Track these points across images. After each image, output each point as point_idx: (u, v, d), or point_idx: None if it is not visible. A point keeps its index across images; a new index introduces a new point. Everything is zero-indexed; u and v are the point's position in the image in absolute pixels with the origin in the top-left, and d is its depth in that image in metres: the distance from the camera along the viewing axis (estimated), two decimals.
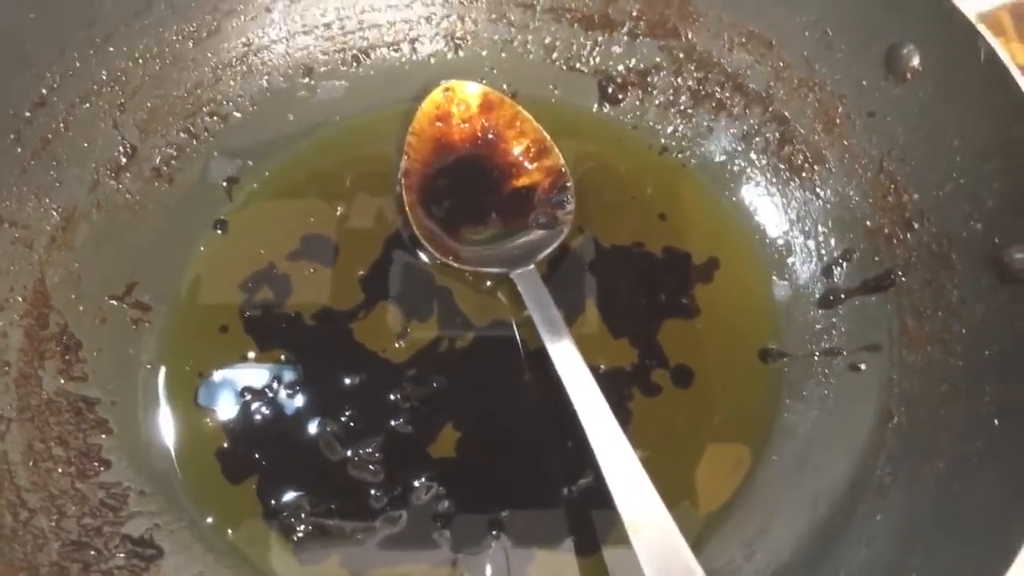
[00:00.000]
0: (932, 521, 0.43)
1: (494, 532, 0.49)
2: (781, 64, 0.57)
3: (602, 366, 0.54)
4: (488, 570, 0.48)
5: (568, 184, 0.58)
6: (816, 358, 0.53)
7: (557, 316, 0.51)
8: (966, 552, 0.40)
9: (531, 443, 0.52)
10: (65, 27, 0.52)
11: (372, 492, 0.50)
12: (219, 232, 0.58)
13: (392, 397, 0.52)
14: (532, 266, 0.54)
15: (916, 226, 0.51)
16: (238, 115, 0.60)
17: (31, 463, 0.46)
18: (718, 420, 0.52)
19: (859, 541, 0.44)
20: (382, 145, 0.61)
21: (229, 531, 0.49)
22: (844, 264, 0.55)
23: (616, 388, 0.53)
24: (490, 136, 0.61)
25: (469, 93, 0.61)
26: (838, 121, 0.55)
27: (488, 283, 0.56)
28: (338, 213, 0.59)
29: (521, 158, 0.60)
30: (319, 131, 0.62)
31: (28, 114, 0.52)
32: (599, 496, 0.49)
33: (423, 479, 0.50)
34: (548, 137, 0.60)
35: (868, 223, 0.54)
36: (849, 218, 0.55)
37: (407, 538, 0.49)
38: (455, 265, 0.55)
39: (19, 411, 0.48)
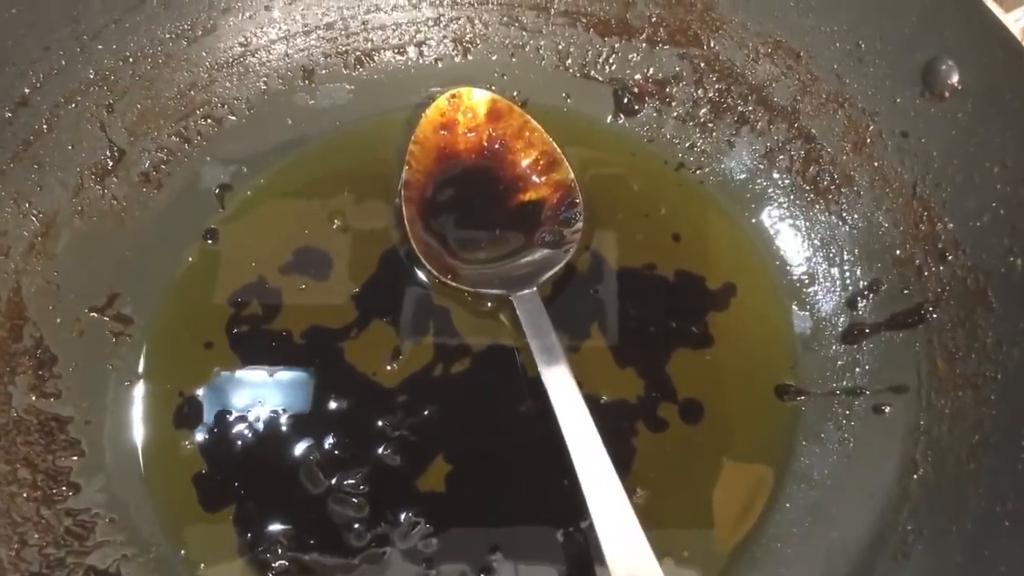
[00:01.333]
0: None
1: (486, 560, 0.46)
2: (809, 77, 0.53)
3: (604, 398, 0.50)
4: None
5: (577, 201, 0.55)
6: (836, 397, 0.50)
7: (555, 344, 0.48)
8: None
9: (527, 480, 0.49)
10: (49, 23, 0.50)
11: (355, 527, 0.47)
12: (209, 242, 0.55)
13: (380, 424, 0.49)
14: (534, 289, 0.51)
15: (950, 258, 0.47)
16: (233, 119, 0.58)
17: None
18: (727, 461, 0.49)
19: None
20: (383, 154, 0.58)
21: (202, 565, 0.46)
22: (870, 296, 0.51)
23: (619, 422, 0.50)
24: (497, 147, 0.57)
25: (476, 100, 0.58)
26: (868, 140, 0.51)
27: (488, 304, 0.53)
28: (335, 226, 0.56)
29: (529, 171, 0.57)
30: (318, 138, 0.59)
31: (9, 114, 0.49)
32: (599, 542, 0.46)
33: (409, 515, 0.47)
34: (558, 149, 0.56)
35: (898, 252, 0.50)
36: (877, 246, 0.51)
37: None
38: (453, 284, 0.52)
39: None
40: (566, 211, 0.55)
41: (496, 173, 0.57)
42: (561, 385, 0.46)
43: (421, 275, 0.54)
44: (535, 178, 0.56)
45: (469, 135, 0.58)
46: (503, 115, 0.58)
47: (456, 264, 0.53)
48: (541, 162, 0.57)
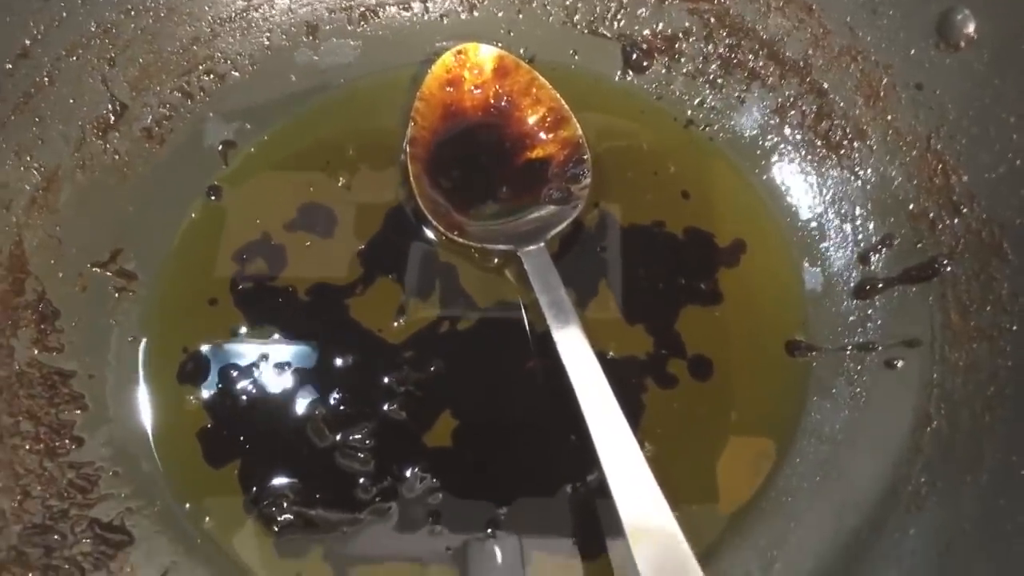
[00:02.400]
0: (972, 541, 0.39)
1: (490, 530, 0.45)
2: (821, 31, 0.53)
3: (612, 354, 0.50)
4: (483, 572, 0.45)
5: (585, 157, 0.54)
6: (848, 353, 0.49)
7: (565, 299, 0.47)
8: None
9: (534, 435, 0.48)
10: None
11: (361, 482, 0.46)
12: (212, 199, 0.55)
13: (387, 380, 0.49)
14: (542, 244, 0.50)
15: (965, 211, 0.47)
16: (236, 75, 0.57)
17: None
18: (737, 417, 0.48)
19: (888, 559, 0.40)
20: (389, 111, 0.57)
21: (207, 518, 0.46)
22: (883, 251, 0.50)
23: (628, 378, 0.49)
24: (504, 103, 0.57)
25: (483, 57, 0.57)
26: (882, 94, 0.51)
27: (495, 261, 0.53)
28: (339, 183, 0.55)
29: (536, 128, 0.56)
30: (322, 94, 0.58)
31: (9, 66, 0.49)
32: (606, 496, 0.46)
33: (416, 470, 0.47)
34: (566, 106, 0.55)
35: (911, 206, 0.49)
36: (890, 201, 0.50)
37: (396, 533, 0.45)
38: (460, 240, 0.51)
39: None
40: (574, 167, 0.54)
41: (503, 130, 0.56)
42: (571, 340, 0.45)
43: (427, 232, 0.53)
44: (542, 135, 0.56)
45: (475, 92, 0.57)
46: (510, 71, 0.57)
47: (463, 220, 0.53)
48: (548, 119, 0.56)
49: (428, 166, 0.55)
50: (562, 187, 0.53)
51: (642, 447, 0.46)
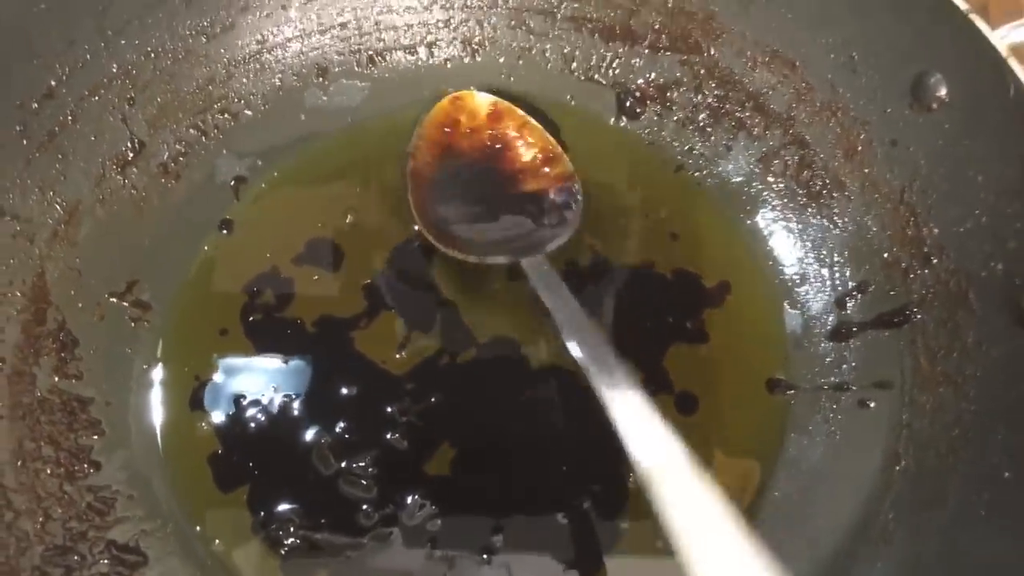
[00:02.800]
0: (936, 571, 0.41)
1: (485, 556, 0.48)
2: (804, 86, 0.56)
3: None
4: None
5: (576, 187, 0.56)
6: (824, 392, 0.52)
7: (571, 299, 0.49)
8: None
9: (529, 464, 0.51)
10: (75, 18, 0.51)
11: (363, 508, 0.49)
12: (224, 232, 0.57)
13: (389, 410, 0.52)
14: (542, 255, 0.52)
15: (935, 261, 0.49)
16: (249, 113, 0.60)
17: (19, 463, 0.46)
18: (719, 450, 0.51)
19: None
20: (395, 150, 0.60)
21: (216, 541, 0.48)
22: (859, 296, 0.53)
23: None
24: (498, 145, 0.59)
25: (478, 103, 0.60)
26: (860, 148, 0.54)
27: (495, 286, 0.55)
28: (347, 220, 0.58)
29: (529, 165, 0.59)
30: (331, 133, 0.61)
31: (35, 106, 0.51)
32: (597, 522, 0.49)
33: (416, 497, 0.49)
34: (557, 145, 0.58)
35: (885, 255, 0.52)
36: (866, 249, 0.53)
37: (397, 557, 0.48)
38: (462, 256, 0.53)
39: (11, 408, 0.47)
40: (566, 196, 0.56)
41: (499, 166, 0.59)
42: (586, 340, 0.46)
43: (431, 270, 0.56)
44: (536, 171, 0.58)
45: (471, 134, 0.60)
46: (504, 116, 0.60)
47: (463, 240, 0.55)
48: (540, 157, 0.58)
49: (429, 195, 0.57)
50: (557, 215, 0.56)
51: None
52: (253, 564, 0.48)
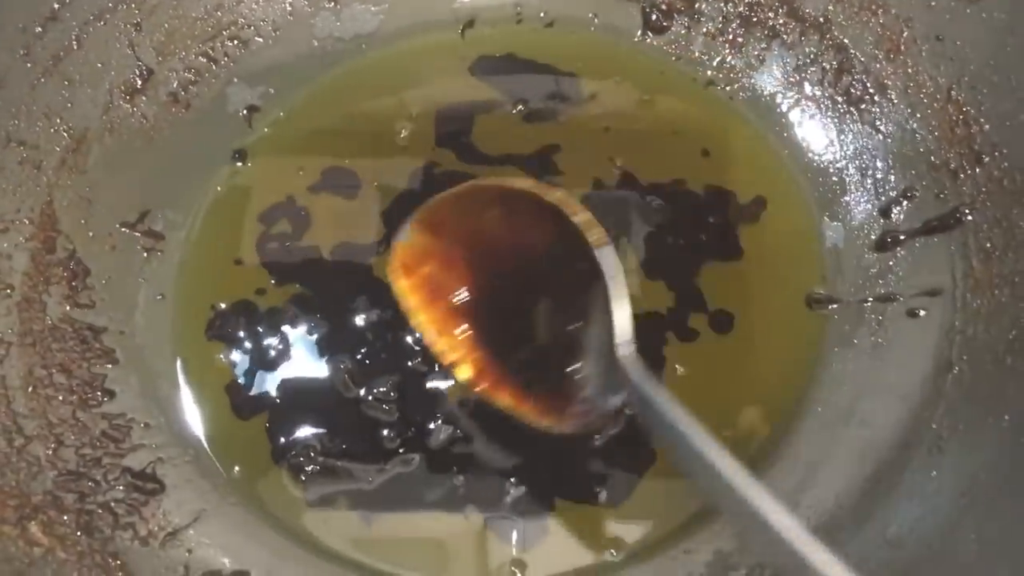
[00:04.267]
0: (993, 479, 0.39)
1: (513, 479, 0.46)
2: None
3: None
4: (505, 520, 0.45)
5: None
6: (869, 304, 0.49)
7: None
8: None
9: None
10: None
11: (385, 432, 0.47)
12: (237, 162, 0.55)
13: (409, 338, 0.49)
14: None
15: (986, 160, 0.46)
16: (260, 40, 0.57)
17: (30, 389, 0.45)
18: (758, 369, 0.49)
19: (911, 498, 0.41)
20: (410, 77, 0.58)
21: (236, 468, 0.47)
22: (904, 203, 0.50)
23: (650, 334, 0.49)
24: None
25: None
26: (903, 47, 0.51)
27: None
28: (360, 145, 0.56)
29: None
30: (344, 60, 0.59)
31: (39, 29, 0.49)
32: (627, 448, 0.46)
33: (439, 421, 0.47)
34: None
35: (932, 158, 0.49)
36: (911, 153, 0.50)
37: (420, 482, 0.46)
38: None
39: (20, 335, 0.46)
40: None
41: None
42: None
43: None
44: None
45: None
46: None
47: None
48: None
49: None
50: None
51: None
52: (273, 491, 0.46)
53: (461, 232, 0.46)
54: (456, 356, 0.46)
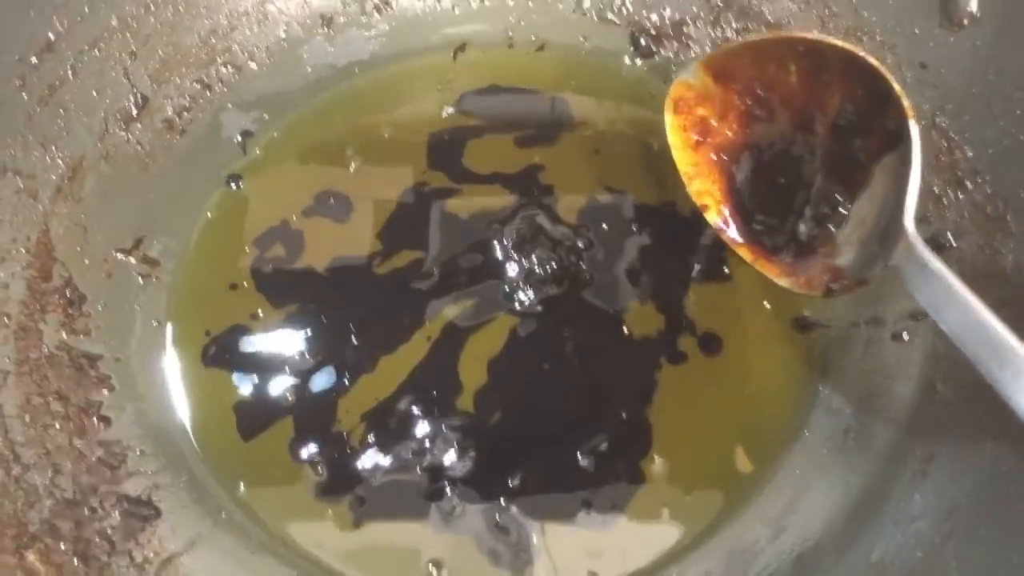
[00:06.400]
0: (975, 505, 0.39)
1: (509, 483, 0.47)
2: (827, 12, 0.53)
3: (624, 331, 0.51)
4: (496, 542, 0.46)
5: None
6: (855, 328, 0.50)
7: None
8: (1012, 540, 0.36)
9: (549, 405, 0.50)
10: None
11: (386, 443, 0.48)
12: (232, 187, 0.56)
13: (415, 336, 0.51)
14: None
15: (969, 186, 0.47)
16: (254, 66, 0.58)
17: (27, 417, 0.45)
18: (747, 391, 0.49)
19: (895, 523, 0.41)
20: (401, 100, 0.59)
21: (235, 489, 0.48)
22: None
23: (643, 358, 0.50)
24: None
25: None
26: None
27: None
28: (352, 169, 0.56)
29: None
30: (337, 85, 0.59)
31: (34, 60, 0.50)
32: (613, 463, 0.48)
33: (440, 431, 0.48)
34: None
35: None
36: None
37: (417, 501, 0.47)
38: None
39: (17, 364, 0.46)
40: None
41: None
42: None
43: (446, 208, 0.55)
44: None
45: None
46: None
47: None
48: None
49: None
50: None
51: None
52: (278, 506, 0.47)
53: (748, 83, 0.48)
54: (706, 201, 0.48)
